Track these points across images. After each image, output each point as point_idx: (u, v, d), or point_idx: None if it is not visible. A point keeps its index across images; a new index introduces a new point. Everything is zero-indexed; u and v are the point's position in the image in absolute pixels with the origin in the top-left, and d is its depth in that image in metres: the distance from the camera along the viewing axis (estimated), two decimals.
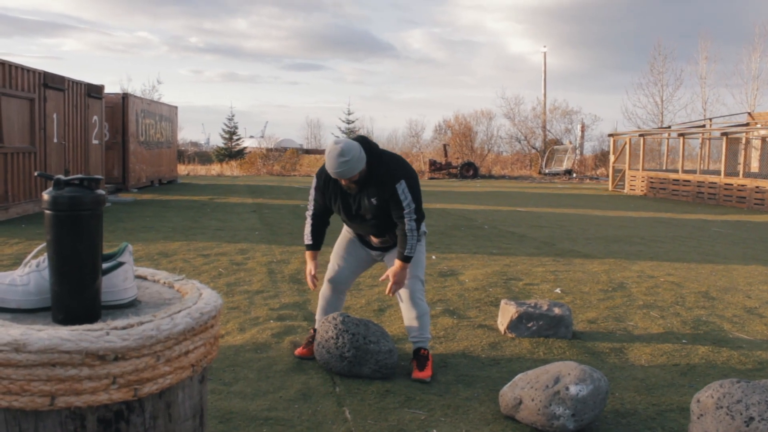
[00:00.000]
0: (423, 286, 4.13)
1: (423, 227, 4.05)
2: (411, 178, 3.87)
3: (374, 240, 4.11)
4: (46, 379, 1.27)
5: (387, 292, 3.99)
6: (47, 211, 1.39)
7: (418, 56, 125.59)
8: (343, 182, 3.83)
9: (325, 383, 3.83)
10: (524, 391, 3.31)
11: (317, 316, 4.30)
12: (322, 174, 4.02)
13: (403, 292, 4.06)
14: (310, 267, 4.14)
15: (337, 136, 34.68)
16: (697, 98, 40.23)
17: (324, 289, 4.26)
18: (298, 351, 4.29)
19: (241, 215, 12.26)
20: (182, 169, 29.49)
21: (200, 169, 32.26)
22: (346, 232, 4.28)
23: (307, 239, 4.15)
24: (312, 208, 4.16)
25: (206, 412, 1.57)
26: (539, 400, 3.22)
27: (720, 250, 9.64)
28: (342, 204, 3.97)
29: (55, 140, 12.25)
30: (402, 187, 3.81)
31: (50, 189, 1.41)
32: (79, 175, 1.41)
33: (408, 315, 4.09)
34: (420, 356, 4.05)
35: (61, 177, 1.39)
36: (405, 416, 3.41)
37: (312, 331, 4.34)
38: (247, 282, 6.38)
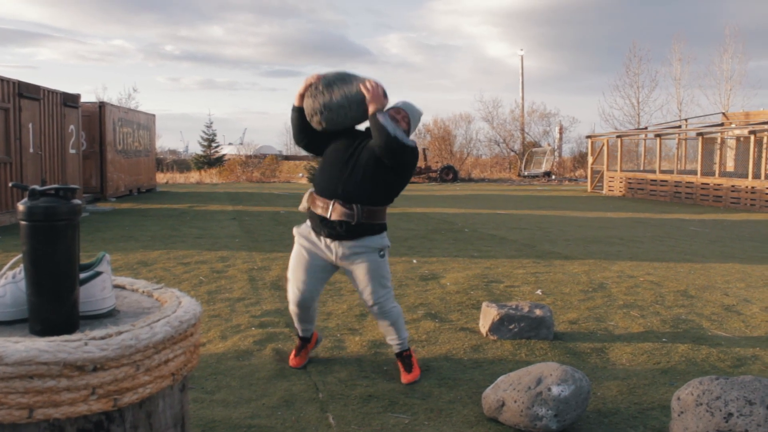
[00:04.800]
0: (391, 291, 3.99)
1: (387, 241, 3.95)
2: None
3: (336, 211, 3.76)
4: (24, 392, 1.25)
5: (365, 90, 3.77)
6: (23, 222, 1.37)
7: (396, 60, 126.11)
8: (397, 117, 3.88)
9: (308, 389, 3.82)
10: (507, 392, 3.32)
11: (299, 327, 4.19)
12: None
13: (372, 304, 3.93)
14: None
15: None
16: (672, 99, 40.69)
17: (293, 309, 4.06)
18: (293, 362, 4.19)
19: (221, 223, 12.19)
20: (161, 178, 29.29)
21: (179, 177, 32.08)
22: (298, 246, 3.99)
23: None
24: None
25: (188, 420, 1.56)
26: (522, 401, 3.23)
27: (698, 248, 9.74)
28: (341, 144, 3.88)
29: (31, 150, 12.11)
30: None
31: (25, 199, 1.39)
32: (55, 185, 1.39)
33: (382, 323, 4.03)
34: (404, 358, 4.05)
35: (37, 187, 1.38)
36: (389, 420, 3.41)
37: (298, 339, 4.25)
38: (228, 289, 6.34)
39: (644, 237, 11.01)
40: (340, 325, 5.13)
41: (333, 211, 3.77)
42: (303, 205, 3.98)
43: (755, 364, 4.37)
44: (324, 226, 3.84)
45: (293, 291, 3.99)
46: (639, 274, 7.40)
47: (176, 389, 1.48)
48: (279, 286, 6.49)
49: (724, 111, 30.78)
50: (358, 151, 3.84)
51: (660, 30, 65.15)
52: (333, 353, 4.48)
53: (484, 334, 4.90)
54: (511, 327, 4.80)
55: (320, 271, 3.96)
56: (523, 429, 3.25)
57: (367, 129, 3.88)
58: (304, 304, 4.00)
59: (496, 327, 4.82)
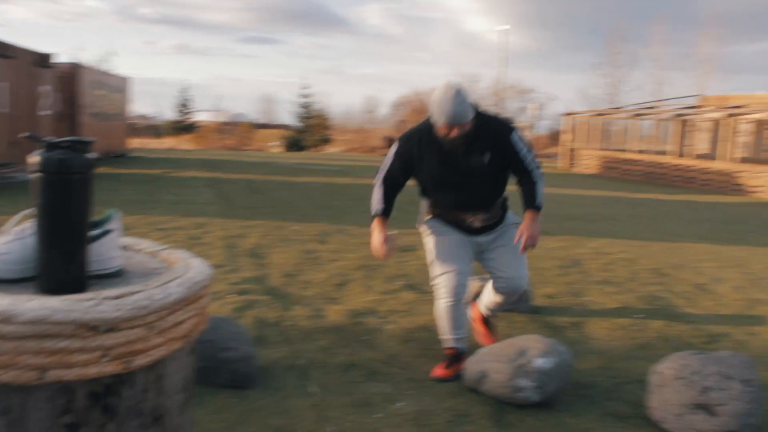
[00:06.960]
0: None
1: (516, 216, 3.85)
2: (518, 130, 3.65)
3: (475, 220, 3.71)
4: (36, 352, 1.24)
5: (521, 250, 3.59)
6: (37, 174, 1.34)
7: (375, 31, 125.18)
8: (452, 134, 3.42)
9: (288, 356, 3.83)
10: (489, 364, 3.37)
11: (451, 336, 3.70)
12: (413, 137, 3.63)
13: (516, 282, 3.76)
14: (378, 237, 3.63)
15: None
16: (651, 80, 40.96)
17: (446, 303, 3.65)
18: (441, 372, 3.67)
19: (197, 189, 12.09)
20: (134, 143, 28.87)
21: (152, 143, 31.68)
22: (434, 236, 3.78)
23: (378, 204, 3.68)
24: (382, 177, 3.70)
25: (193, 384, 1.56)
26: (504, 372, 3.28)
27: (672, 228, 9.90)
28: (441, 169, 3.58)
29: (6, 110, 11.84)
30: (516, 136, 3.57)
31: (40, 151, 1.36)
32: (70, 137, 1.37)
33: (506, 298, 3.92)
34: (490, 324, 4.26)
35: (52, 138, 1.35)
36: (369, 389, 3.44)
37: (450, 351, 3.72)
38: (205, 256, 6.29)
39: (621, 215, 11.15)
40: (319, 293, 5.14)
41: (474, 220, 3.73)
42: (425, 215, 3.93)
43: (727, 341, 4.48)
44: (464, 229, 3.77)
45: (447, 278, 3.63)
46: (614, 252, 7.50)
47: (186, 352, 1.48)
48: (256, 253, 6.47)
49: (700, 94, 31.08)
50: (469, 170, 3.59)
51: (641, 11, 65.34)
52: (313, 322, 4.49)
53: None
54: None
55: (465, 246, 3.76)
56: (504, 399, 3.30)
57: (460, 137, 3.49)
58: (462, 290, 3.66)
59: (476, 298, 4.86)
